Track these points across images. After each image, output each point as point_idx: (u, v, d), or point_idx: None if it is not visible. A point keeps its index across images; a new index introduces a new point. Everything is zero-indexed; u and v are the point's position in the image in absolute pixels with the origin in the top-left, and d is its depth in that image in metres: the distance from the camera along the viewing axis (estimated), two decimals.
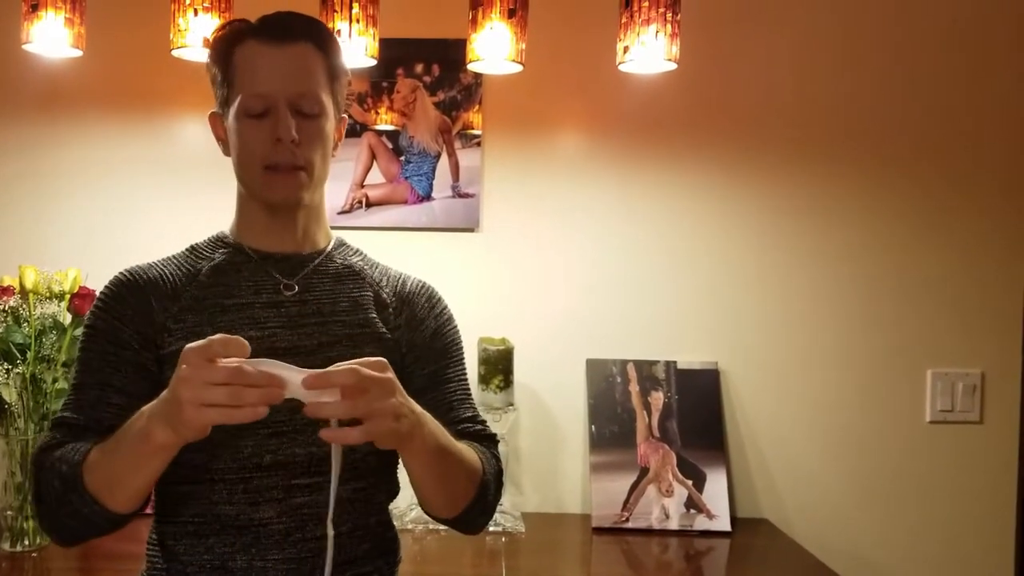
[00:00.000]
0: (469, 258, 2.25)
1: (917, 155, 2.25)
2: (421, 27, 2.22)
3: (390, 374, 1.05)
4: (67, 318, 1.91)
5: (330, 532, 1.09)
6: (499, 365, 2.09)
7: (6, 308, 1.88)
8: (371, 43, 1.87)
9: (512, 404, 2.11)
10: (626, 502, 2.12)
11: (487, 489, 1.26)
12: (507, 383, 2.10)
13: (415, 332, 1.31)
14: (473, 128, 2.25)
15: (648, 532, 2.09)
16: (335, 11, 1.85)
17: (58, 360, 1.87)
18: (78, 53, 1.93)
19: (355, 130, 2.23)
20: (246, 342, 1.00)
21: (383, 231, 2.23)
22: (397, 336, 1.30)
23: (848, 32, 2.25)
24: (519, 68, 1.95)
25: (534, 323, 2.23)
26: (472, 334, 2.09)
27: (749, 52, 2.25)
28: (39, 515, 1.17)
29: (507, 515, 2.07)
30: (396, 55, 2.20)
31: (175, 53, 1.89)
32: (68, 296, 1.91)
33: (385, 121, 2.25)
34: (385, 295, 1.32)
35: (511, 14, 1.88)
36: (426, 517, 2.01)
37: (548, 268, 2.26)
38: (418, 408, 1.12)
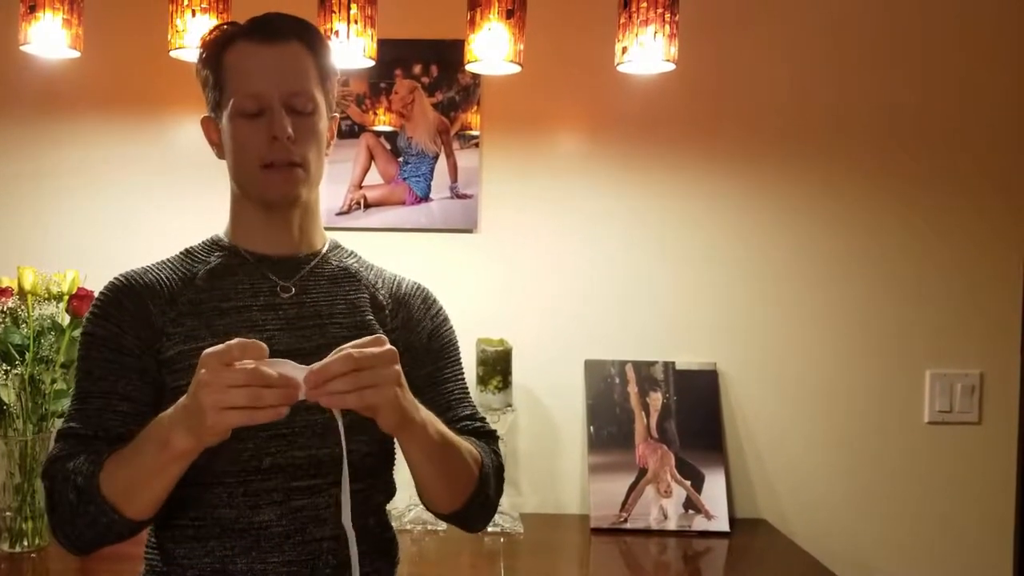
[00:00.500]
0: (467, 259, 2.25)
1: (915, 156, 2.25)
2: (419, 28, 2.22)
3: (388, 346, 1.06)
4: (66, 319, 1.91)
5: (348, 528, 1.08)
6: (497, 366, 2.09)
7: (5, 309, 1.88)
8: (369, 44, 1.87)
9: (510, 405, 2.11)
10: (625, 503, 2.12)
11: (487, 483, 1.26)
12: (505, 384, 2.10)
13: (412, 333, 1.32)
14: (471, 129, 2.25)
15: (647, 533, 2.09)
16: (333, 12, 1.85)
17: (57, 361, 1.87)
18: (76, 54, 1.93)
19: (353, 131, 2.23)
20: (264, 346, 1.01)
21: (381, 232, 2.23)
22: (394, 338, 1.29)
23: (845, 33, 2.25)
24: (517, 69, 1.95)
25: (532, 324, 2.23)
26: (470, 335, 2.10)
27: (747, 53, 2.26)
28: (53, 526, 1.17)
29: (506, 516, 2.07)
30: (394, 56, 2.20)
31: (173, 54, 1.89)
32: (67, 297, 1.91)
33: (383, 122, 2.25)
34: (381, 297, 1.32)
35: (509, 15, 1.88)
36: (425, 517, 2.03)
37: (546, 269, 2.26)
38: (413, 397, 1.13)
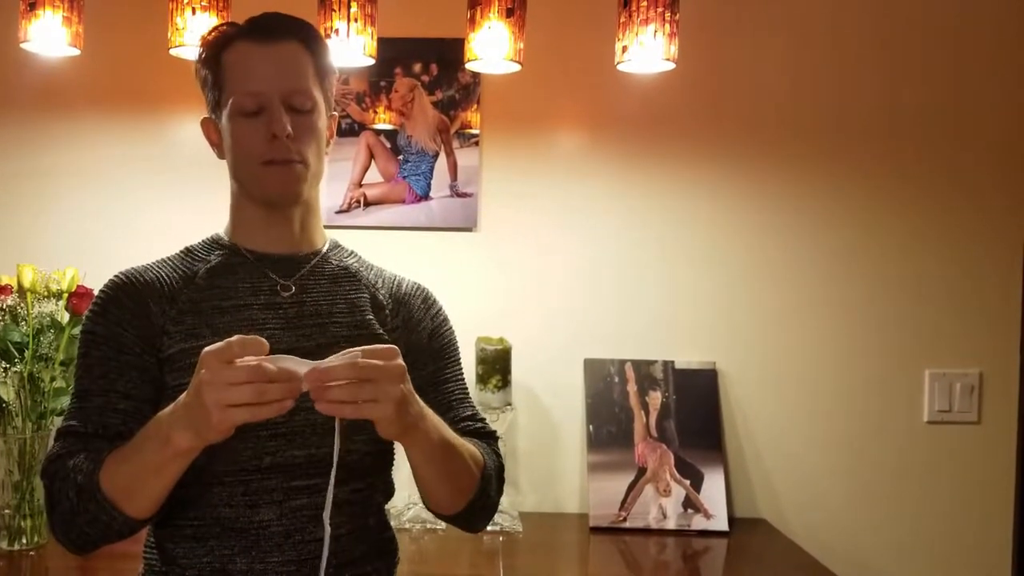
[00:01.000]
0: (467, 257, 2.25)
1: (914, 155, 2.25)
2: (419, 26, 2.22)
3: (399, 360, 1.05)
4: (65, 317, 1.91)
5: (327, 524, 1.09)
6: (497, 365, 2.09)
7: (4, 307, 1.88)
8: (369, 42, 1.87)
9: (510, 404, 2.11)
10: (624, 502, 2.12)
11: (489, 484, 1.27)
12: (505, 383, 2.10)
13: (412, 333, 1.32)
14: (471, 127, 2.25)
15: (646, 532, 2.09)
16: (333, 10, 1.85)
17: (56, 359, 1.87)
18: (76, 52, 1.93)
19: (353, 129, 2.23)
20: (264, 341, 1.00)
21: (381, 230, 2.23)
22: (395, 338, 1.30)
23: (844, 32, 2.25)
24: (517, 67, 1.95)
25: (532, 323, 2.23)
26: (470, 334, 2.10)
27: (747, 52, 2.25)
28: (52, 525, 1.17)
29: (505, 515, 2.07)
30: (394, 54, 2.20)
31: (173, 52, 1.89)
32: (66, 295, 1.91)
33: (383, 120, 2.25)
34: (381, 297, 1.32)
35: (509, 13, 1.88)
36: (423, 516, 2.03)
37: (546, 267, 2.26)
38: (421, 402, 1.13)
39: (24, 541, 1.86)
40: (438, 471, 1.19)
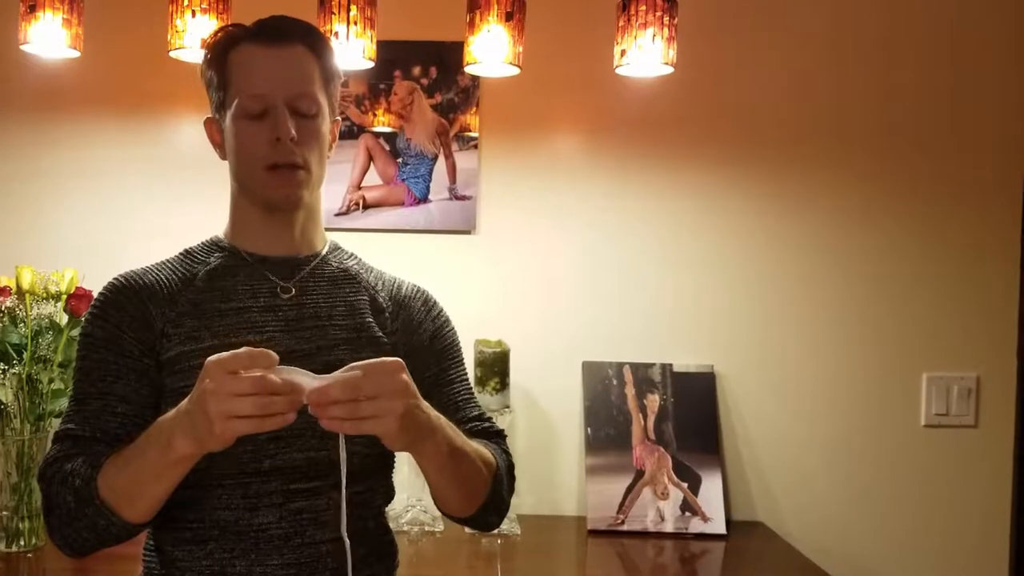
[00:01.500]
0: (466, 260, 2.25)
1: (912, 159, 2.25)
2: (419, 29, 2.23)
3: (402, 375, 1.05)
4: (63, 319, 1.90)
5: (346, 539, 1.10)
6: (495, 367, 2.09)
7: (2, 308, 1.88)
8: (369, 45, 1.88)
9: (508, 406, 2.11)
10: (621, 505, 2.13)
11: (500, 485, 1.27)
12: (503, 385, 2.10)
13: (413, 335, 1.32)
14: (470, 130, 2.25)
15: (643, 535, 2.10)
16: (333, 13, 1.85)
17: (54, 361, 1.87)
18: (76, 54, 1.93)
19: (352, 132, 2.23)
20: (274, 354, 1.00)
21: (380, 233, 2.23)
22: (395, 340, 1.30)
23: (842, 37, 2.26)
24: (516, 71, 1.96)
25: (530, 325, 2.23)
26: (468, 336, 2.08)
27: (745, 56, 2.26)
28: (49, 528, 1.16)
29: None
30: (394, 57, 2.20)
31: (173, 54, 1.89)
32: (65, 296, 1.91)
33: (382, 123, 2.25)
34: (381, 299, 1.32)
35: (508, 17, 1.89)
36: (422, 519, 2.03)
37: (544, 270, 2.26)
38: (433, 412, 1.12)
39: (22, 543, 1.86)
40: (450, 478, 1.19)
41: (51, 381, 1.87)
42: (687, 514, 2.12)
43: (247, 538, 1.18)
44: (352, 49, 1.85)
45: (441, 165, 2.25)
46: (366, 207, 2.25)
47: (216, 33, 1.29)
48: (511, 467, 1.32)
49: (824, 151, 2.26)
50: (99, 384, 1.19)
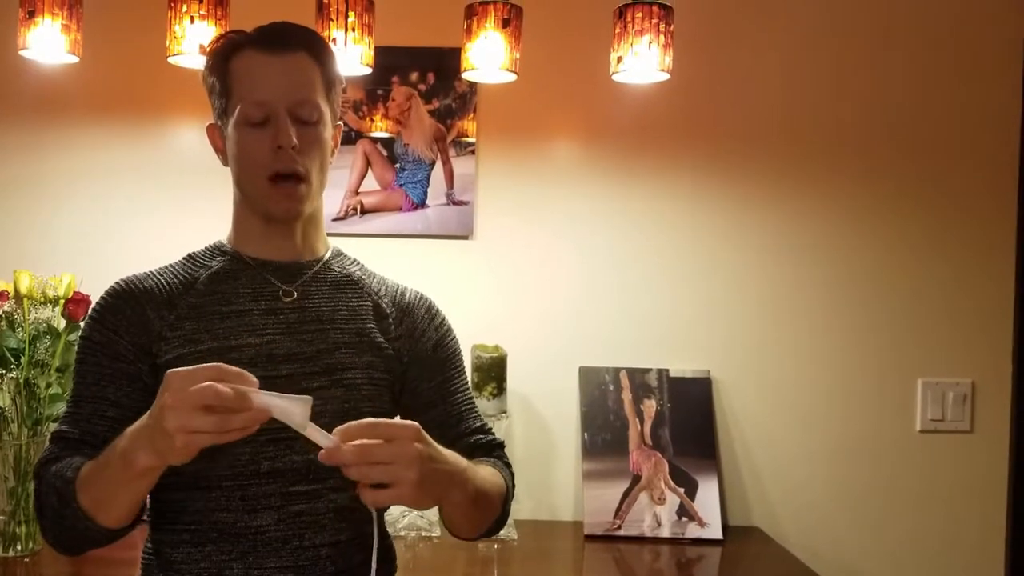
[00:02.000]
0: (463, 265, 2.26)
1: (908, 165, 2.26)
2: (416, 36, 2.23)
3: (419, 445, 1.03)
4: (61, 323, 1.90)
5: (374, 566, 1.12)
6: (492, 372, 2.10)
7: (0, 313, 1.88)
8: (366, 51, 1.88)
9: (505, 411, 2.12)
10: (618, 510, 2.13)
11: (507, 505, 1.30)
12: (500, 390, 2.10)
13: (417, 343, 1.32)
14: (468, 136, 2.26)
15: (640, 540, 2.10)
16: (331, 19, 1.86)
17: (52, 365, 1.87)
18: (74, 59, 1.94)
19: (350, 137, 2.24)
20: (249, 375, 0.99)
21: (378, 238, 2.24)
22: (397, 347, 1.30)
23: (838, 43, 2.27)
24: (513, 77, 1.97)
25: (527, 330, 2.24)
26: (466, 341, 2.08)
27: (742, 63, 2.27)
28: (41, 528, 1.17)
29: None
30: (391, 63, 2.21)
31: (171, 60, 1.90)
32: (62, 301, 1.91)
33: (380, 129, 2.26)
34: (384, 305, 1.32)
35: (505, 24, 1.90)
36: (419, 524, 2.04)
37: (541, 275, 2.27)
38: (452, 461, 1.11)
39: (19, 547, 1.86)
40: (467, 517, 1.21)
41: (48, 386, 1.87)
42: (684, 519, 2.13)
43: (245, 540, 1.18)
44: (350, 55, 1.86)
45: (439, 170, 2.26)
46: (364, 212, 2.25)
47: (218, 39, 1.29)
48: (513, 477, 1.34)
49: (820, 157, 2.27)
50: (93, 388, 1.20)
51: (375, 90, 2.24)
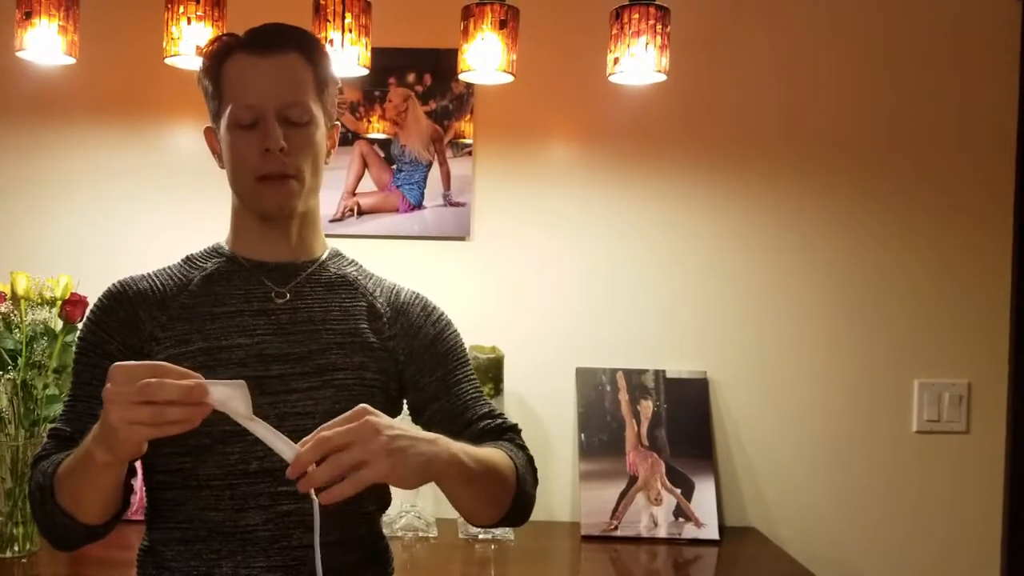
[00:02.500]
0: (460, 266, 2.26)
1: (904, 165, 2.27)
2: (413, 37, 2.24)
3: (371, 418, 1.03)
4: (58, 324, 1.91)
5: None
6: (489, 373, 2.10)
7: None
8: (363, 52, 1.89)
9: (502, 412, 2.12)
10: (615, 510, 2.13)
11: (524, 484, 1.24)
12: (497, 391, 2.11)
13: (413, 340, 1.31)
14: (464, 137, 2.26)
15: (637, 540, 2.10)
16: (328, 21, 1.86)
17: (49, 366, 1.87)
18: (71, 61, 1.94)
19: (347, 138, 2.24)
20: (193, 373, 0.99)
21: (374, 239, 2.24)
22: (392, 346, 1.30)
23: (835, 43, 2.27)
24: (510, 78, 1.97)
25: (524, 331, 2.24)
26: None
27: (738, 64, 2.27)
28: (35, 522, 1.20)
29: None
30: (388, 64, 2.21)
31: (168, 61, 1.90)
32: (59, 302, 1.91)
33: (377, 130, 2.26)
34: (379, 305, 1.32)
35: (502, 25, 1.90)
36: (416, 525, 2.04)
37: (538, 277, 2.27)
38: (434, 436, 1.10)
39: (16, 548, 1.86)
40: (473, 496, 1.17)
41: (46, 387, 1.87)
42: (680, 520, 2.13)
43: (234, 539, 1.19)
44: (347, 56, 1.86)
45: (435, 172, 2.26)
46: (361, 213, 2.25)
47: (212, 42, 1.29)
48: (530, 460, 1.29)
49: (816, 158, 2.27)
50: (86, 387, 1.23)
51: (372, 91, 2.25)
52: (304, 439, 1.01)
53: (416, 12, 2.23)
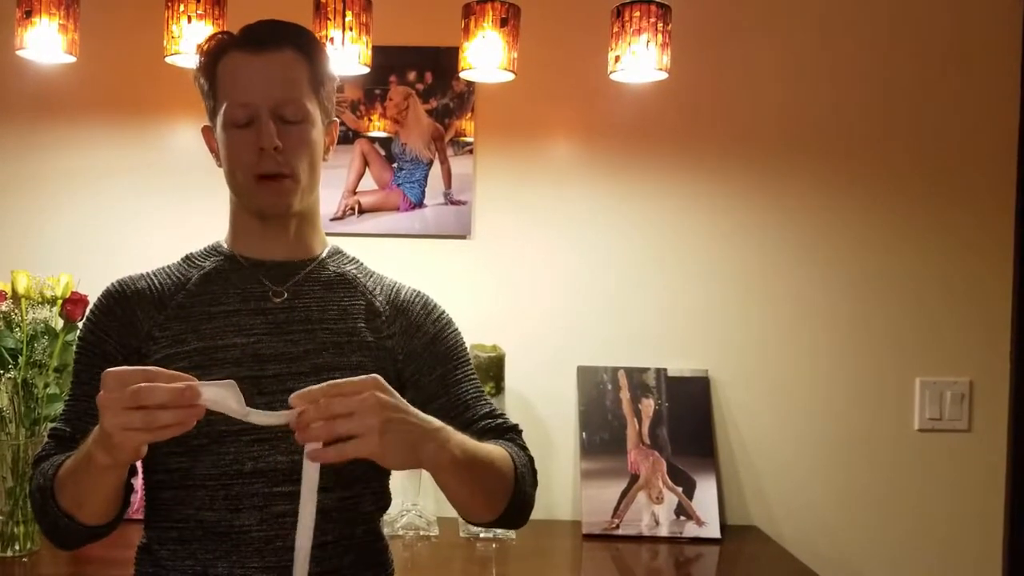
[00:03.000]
0: (461, 265, 2.25)
1: (905, 163, 2.26)
2: (414, 35, 2.23)
3: (378, 392, 1.03)
4: (59, 323, 1.91)
5: (299, 544, 1.07)
6: (490, 372, 2.10)
7: None
8: (364, 51, 1.89)
9: (503, 411, 2.11)
10: (616, 509, 2.13)
11: (523, 483, 1.23)
12: (498, 390, 2.10)
13: (412, 339, 1.30)
14: (465, 135, 2.26)
15: (638, 539, 2.10)
16: (328, 19, 1.86)
17: (50, 365, 1.87)
18: (72, 59, 1.94)
19: (348, 137, 2.24)
20: (185, 376, 1.00)
21: (375, 238, 2.24)
22: (391, 344, 1.29)
23: (836, 41, 2.27)
24: (511, 76, 1.97)
25: (525, 330, 2.24)
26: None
27: (740, 62, 2.27)
28: (37, 522, 1.21)
29: None
30: (389, 63, 2.21)
31: (169, 60, 1.90)
32: (60, 301, 1.91)
33: (378, 128, 2.26)
34: (378, 303, 1.31)
35: (503, 23, 1.90)
36: (416, 523, 2.04)
37: (539, 275, 2.27)
38: (433, 421, 1.09)
39: (17, 548, 1.86)
40: (468, 487, 1.16)
41: (46, 386, 1.87)
42: (682, 518, 2.13)
43: (228, 539, 1.19)
44: (348, 54, 1.86)
45: (436, 170, 2.26)
46: (361, 212, 2.25)
47: (206, 41, 1.29)
48: (531, 461, 1.28)
49: (818, 156, 2.27)
50: (85, 387, 1.23)
51: (373, 90, 2.24)
52: (309, 389, 1.02)
53: (417, 10, 2.23)
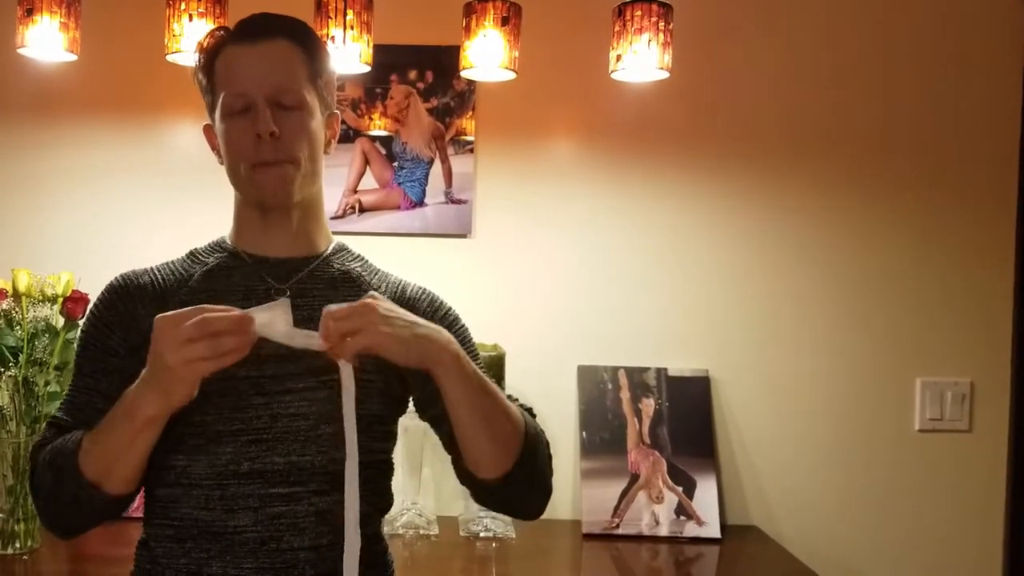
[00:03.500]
0: (461, 264, 2.25)
1: (906, 163, 2.26)
2: (415, 34, 2.23)
3: (369, 300, 1.12)
4: (60, 321, 1.91)
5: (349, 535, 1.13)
6: (491, 371, 2.07)
7: None
8: (365, 49, 1.88)
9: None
10: (616, 508, 2.13)
11: (537, 444, 1.22)
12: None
13: None
14: (466, 134, 2.26)
15: (638, 538, 2.10)
16: (329, 17, 1.86)
17: (50, 363, 1.87)
18: (73, 57, 1.94)
19: (348, 136, 2.24)
20: (231, 308, 1.07)
21: (376, 236, 2.23)
22: None
23: (838, 41, 2.27)
24: (512, 75, 1.97)
25: (526, 329, 2.24)
26: None
27: (741, 61, 2.27)
28: (37, 510, 1.22)
29: (497, 520, 2.07)
30: (390, 61, 2.21)
31: (170, 58, 1.90)
32: (61, 299, 1.91)
33: (378, 127, 2.26)
34: None
35: (504, 22, 1.90)
36: (417, 523, 2.04)
37: (540, 274, 2.26)
38: (442, 329, 1.16)
39: (18, 545, 1.86)
40: (478, 413, 1.15)
41: (47, 384, 1.87)
42: (682, 518, 2.13)
43: (223, 539, 1.19)
44: (348, 53, 1.86)
45: (437, 169, 2.26)
46: (362, 211, 2.25)
47: (204, 38, 1.29)
48: (543, 434, 1.27)
49: (819, 156, 2.26)
50: (88, 379, 1.24)
51: (373, 88, 2.24)
52: (327, 310, 1.10)
53: (418, 9, 2.23)
